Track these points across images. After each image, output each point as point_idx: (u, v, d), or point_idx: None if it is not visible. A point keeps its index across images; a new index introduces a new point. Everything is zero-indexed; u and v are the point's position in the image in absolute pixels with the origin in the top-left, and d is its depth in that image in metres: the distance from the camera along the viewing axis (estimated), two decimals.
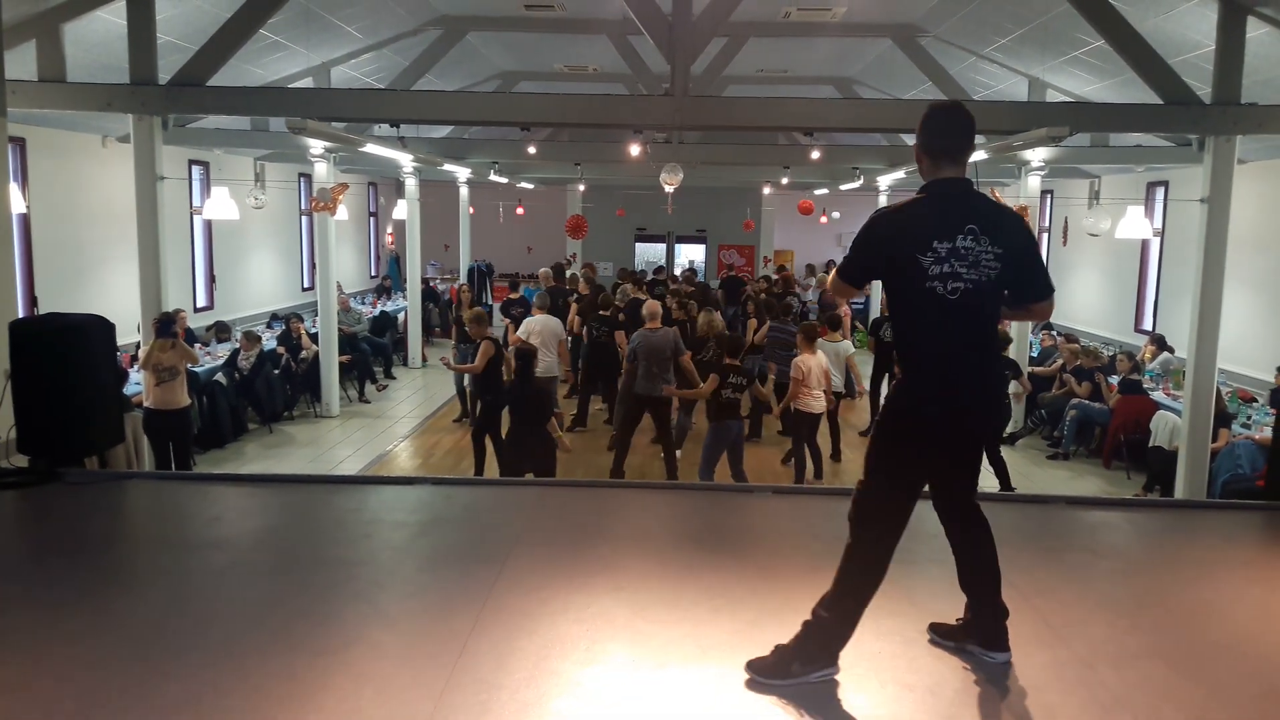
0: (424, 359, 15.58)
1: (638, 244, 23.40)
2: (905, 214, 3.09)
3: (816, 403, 8.67)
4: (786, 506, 5.15)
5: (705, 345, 9.81)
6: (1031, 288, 3.19)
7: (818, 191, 19.38)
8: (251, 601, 3.72)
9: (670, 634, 3.42)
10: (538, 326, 9.97)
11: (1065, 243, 13.42)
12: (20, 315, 5.95)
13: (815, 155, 12.53)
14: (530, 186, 19.91)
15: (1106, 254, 13.98)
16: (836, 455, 10.01)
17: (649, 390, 8.57)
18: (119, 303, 9.94)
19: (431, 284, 19.35)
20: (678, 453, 9.09)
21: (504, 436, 7.91)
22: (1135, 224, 10.42)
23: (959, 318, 3.00)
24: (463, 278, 18.64)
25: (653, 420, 8.81)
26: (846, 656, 3.27)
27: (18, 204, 7.86)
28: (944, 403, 3.05)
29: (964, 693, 3.07)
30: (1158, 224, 12.35)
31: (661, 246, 23.60)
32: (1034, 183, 11.34)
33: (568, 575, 3.93)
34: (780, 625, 3.47)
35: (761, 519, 4.91)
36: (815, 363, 8.58)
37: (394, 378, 14.31)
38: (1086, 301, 15.05)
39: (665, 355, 8.59)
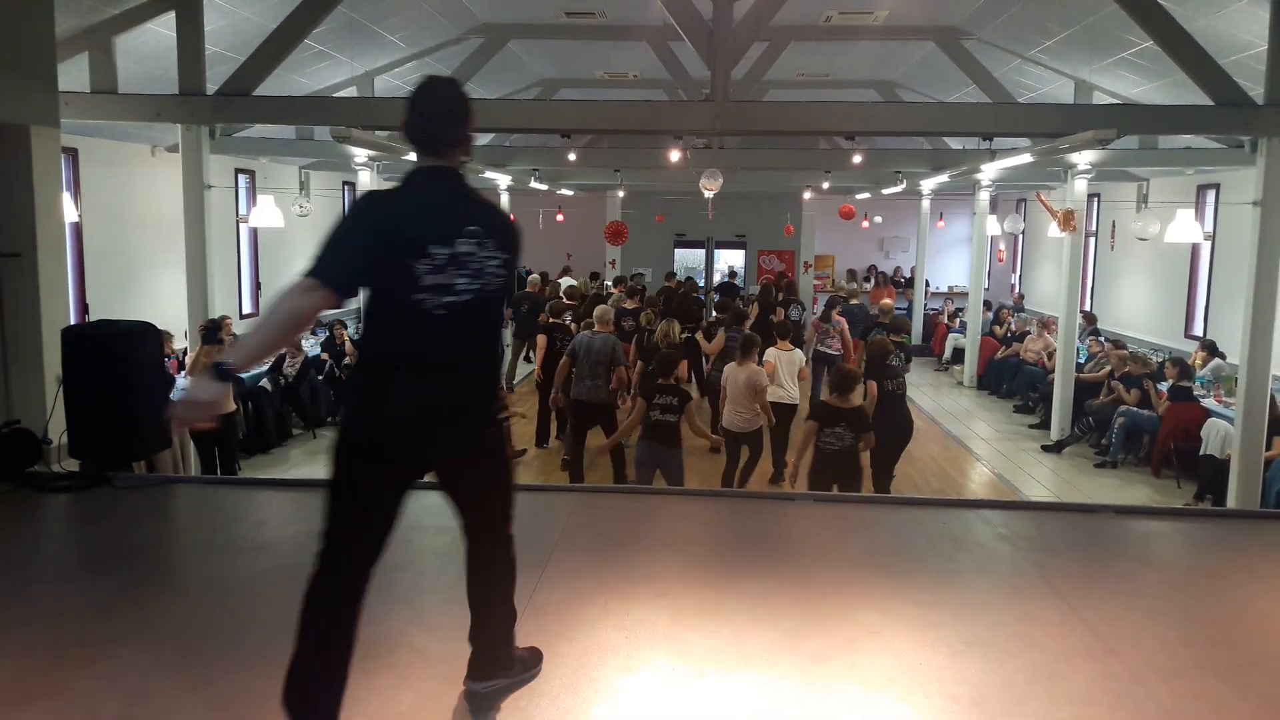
0: None
1: (676, 249, 23.38)
2: (397, 204, 2.66)
3: (736, 418, 7.96)
4: (827, 514, 5.11)
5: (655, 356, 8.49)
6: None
7: (859, 196, 19.26)
8: (295, 605, 3.74)
9: (710, 642, 3.40)
10: None
11: (1113, 247, 13.19)
12: (72, 322, 6.06)
13: (857, 159, 12.44)
14: (570, 193, 19.98)
15: (1155, 258, 13.72)
16: (776, 475, 8.88)
17: (587, 395, 8.22)
18: (167, 309, 10.12)
19: None
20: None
21: None
22: (1185, 228, 10.22)
23: (446, 332, 2.61)
24: None
25: (601, 429, 8.27)
26: (891, 667, 3.23)
27: (70, 213, 8.03)
28: (406, 419, 2.63)
29: (1010, 705, 3.02)
30: (1208, 227, 12.10)
31: (701, 252, 23.56)
32: (1080, 186, 11.19)
33: (607, 581, 3.92)
34: (822, 634, 3.45)
35: (801, 526, 4.87)
36: (743, 375, 7.88)
37: None
38: (1134, 307, 14.78)
39: (601, 361, 8.16)
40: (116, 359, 5.19)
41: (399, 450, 2.64)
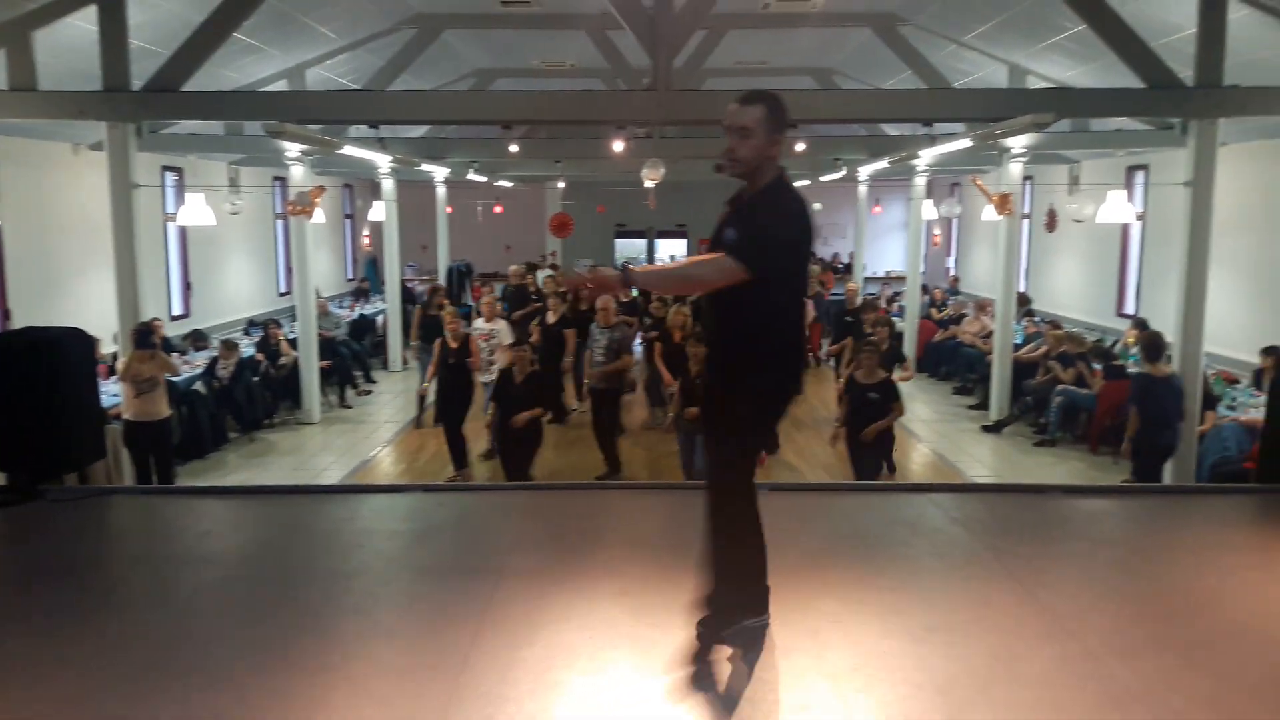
0: (404, 362, 15.42)
1: (617, 240, 23.33)
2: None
3: None
4: (782, 503, 5.08)
5: None
6: None
7: (798, 183, 19.31)
8: (246, 618, 3.64)
9: (673, 639, 3.34)
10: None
11: (1053, 229, 13.41)
12: None
13: (800, 147, 12.50)
14: (509, 185, 19.79)
15: (1087, 239, 14.02)
16: None
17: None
18: (94, 313, 9.78)
19: (409, 285, 19.20)
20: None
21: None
22: (1117, 208, 10.44)
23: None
24: (441, 278, 18.50)
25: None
26: (854, 656, 3.23)
27: None
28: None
29: (973, 690, 3.03)
30: (1138, 208, 12.39)
31: (642, 242, 23.54)
32: (1015, 169, 11.35)
33: (567, 581, 3.87)
34: (785, 625, 3.44)
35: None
36: None
37: (374, 382, 14.16)
38: (1068, 287, 15.10)
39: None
40: (45, 367, 5.00)
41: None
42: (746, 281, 2.97)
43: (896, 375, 8.08)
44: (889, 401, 7.16)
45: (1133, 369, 10.25)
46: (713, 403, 3.31)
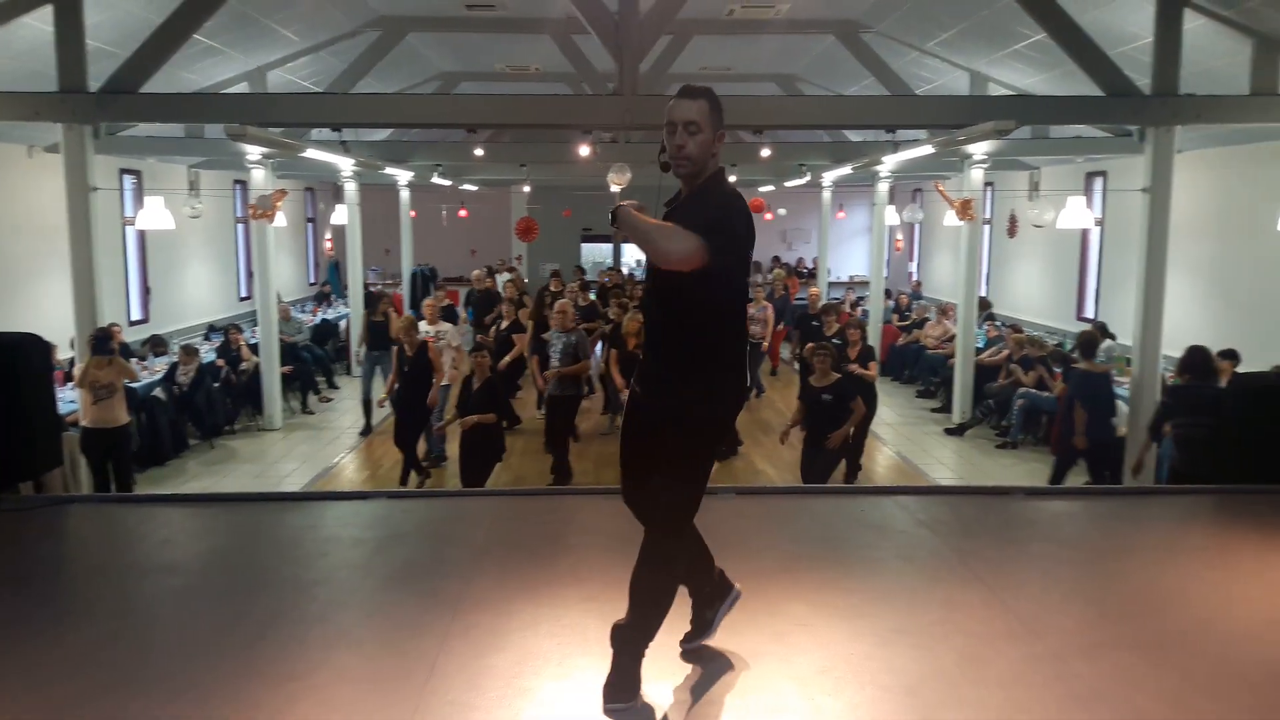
0: None
1: (584, 244, 23.30)
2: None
3: None
4: (751, 507, 5.11)
5: None
6: None
7: (763, 189, 19.46)
8: (209, 627, 3.57)
9: None
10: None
11: (1014, 234, 13.59)
12: None
13: (766, 153, 12.55)
14: (474, 188, 19.69)
15: (1047, 244, 14.20)
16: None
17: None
18: (51, 318, 9.60)
19: (373, 290, 19.04)
20: None
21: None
22: (1077, 214, 10.59)
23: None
24: (405, 283, 18.37)
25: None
26: (823, 660, 3.24)
27: None
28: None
29: (941, 692, 3.05)
30: (1097, 213, 12.57)
31: (609, 247, 23.53)
32: (976, 175, 11.48)
33: (535, 588, 3.85)
34: (754, 629, 3.45)
35: (727, 521, 4.85)
36: None
37: (337, 387, 14.03)
38: (1028, 291, 15.28)
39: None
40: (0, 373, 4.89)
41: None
42: (694, 276, 2.70)
43: (856, 369, 8.15)
44: (846, 402, 7.16)
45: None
46: (638, 430, 3.04)
